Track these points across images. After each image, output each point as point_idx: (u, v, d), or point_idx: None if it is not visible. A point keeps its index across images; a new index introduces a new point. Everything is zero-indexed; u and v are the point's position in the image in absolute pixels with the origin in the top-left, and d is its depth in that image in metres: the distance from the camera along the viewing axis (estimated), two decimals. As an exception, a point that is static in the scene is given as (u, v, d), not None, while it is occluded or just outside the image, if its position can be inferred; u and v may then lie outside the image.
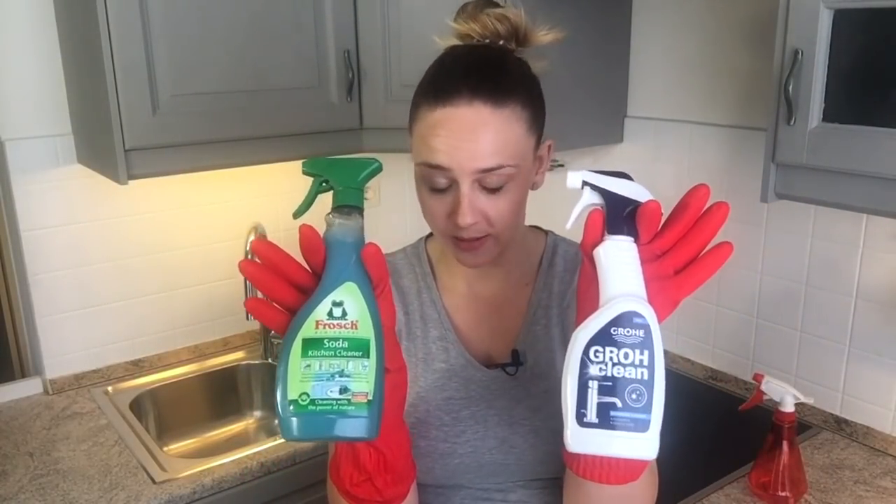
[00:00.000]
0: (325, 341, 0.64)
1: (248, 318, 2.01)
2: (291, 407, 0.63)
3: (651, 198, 0.66)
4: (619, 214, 0.66)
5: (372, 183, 0.71)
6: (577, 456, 0.67)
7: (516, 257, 0.98)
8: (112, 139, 1.51)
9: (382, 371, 0.65)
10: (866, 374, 1.63)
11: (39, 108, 1.76)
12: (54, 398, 1.87)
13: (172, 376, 1.98)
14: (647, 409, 0.63)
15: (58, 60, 1.76)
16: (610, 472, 0.67)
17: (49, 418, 1.77)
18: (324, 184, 0.69)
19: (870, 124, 1.18)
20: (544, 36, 0.91)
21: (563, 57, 1.82)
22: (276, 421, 0.65)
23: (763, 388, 1.45)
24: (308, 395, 0.63)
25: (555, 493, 0.92)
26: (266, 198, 2.10)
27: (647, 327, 0.63)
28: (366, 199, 0.70)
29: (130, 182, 1.55)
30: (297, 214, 0.70)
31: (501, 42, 0.90)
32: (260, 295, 0.69)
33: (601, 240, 0.66)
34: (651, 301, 0.64)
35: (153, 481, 1.51)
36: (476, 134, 0.82)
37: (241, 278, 1.92)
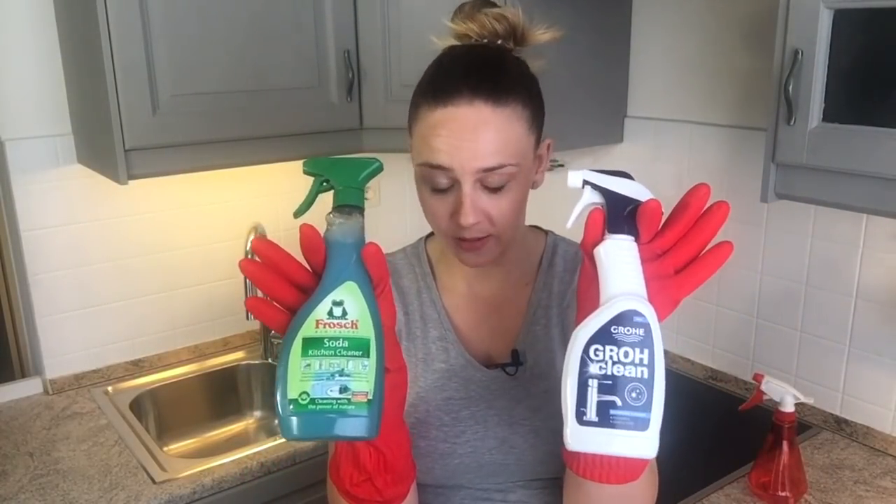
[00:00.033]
0: (326, 340, 0.64)
1: (248, 318, 2.01)
2: (291, 406, 0.63)
3: (652, 197, 0.66)
4: (620, 214, 0.66)
5: (372, 183, 0.71)
6: (576, 455, 0.67)
7: (516, 257, 0.98)
8: (112, 139, 1.51)
9: (382, 370, 0.65)
10: (866, 374, 1.63)
11: (39, 108, 1.76)
12: (54, 398, 1.87)
13: (172, 376, 1.98)
14: (647, 407, 0.63)
15: (58, 60, 1.76)
16: (610, 471, 0.67)
17: (49, 418, 1.77)
18: (324, 183, 0.69)
19: (870, 124, 1.18)
20: (542, 35, 0.91)
21: (563, 57, 1.82)
22: (276, 420, 0.65)
23: (763, 388, 1.45)
24: (308, 395, 0.63)
25: (555, 493, 0.92)
26: (266, 198, 2.10)
27: (647, 326, 0.63)
28: (366, 199, 0.70)
29: (130, 182, 1.55)
30: (297, 214, 0.70)
31: (499, 41, 0.90)
32: (260, 294, 0.69)
33: (602, 239, 0.66)
34: (651, 300, 0.64)
35: (153, 481, 1.51)
36: (477, 133, 0.82)
37: (242, 278, 1.92)
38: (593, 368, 0.63)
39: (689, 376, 1.98)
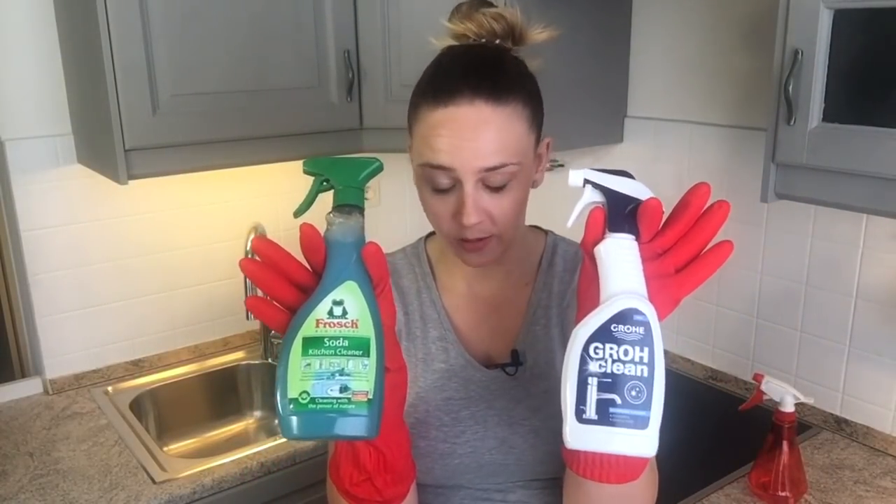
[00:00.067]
0: (326, 340, 0.64)
1: (248, 318, 2.01)
2: (291, 405, 0.63)
3: (652, 196, 0.66)
4: (621, 212, 0.66)
5: (372, 183, 0.71)
6: (576, 455, 0.67)
7: (516, 257, 0.98)
8: (112, 139, 1.51)
9: (383, 370, 0.65)
10: (866, 374, 1.63)
11: (39, 108, 1.76)
12: (54, 398, 1.87)
13: (172, 376, 1.98)
14: (647, 406, 0.62)
15: (58, 60, 1.76)
16: (610, 471, 0.67)
17: (49, 418, 1.77)
18: (324, 183, 0.69)
19: (870, 124, 1.18)
20: (539, 34, 0.91)
21: (563, 57, 1.82)
22: (277, 420, 0.65)
23: (763, 388, 1.45)
24: (308, 394, 0.63)
25: (555, 493, 0.92)
26: (266, 198, 2.10)
27: (647, 324, 0.63)
28: (366, 198, 0.70)
29: (130, 182, 1.55)
30: (297, 213, 0.70)
31: (498, 41, 0.90)
32: (260, 294, 0.69)
33: (602, 238, 0.66)
34: (652, 299, 0.64)
35: (153, 481, 1.51)
36: (478, 133, 0.82)
37: (242, 278, 1.92)
38: (593, 366, 0.63)
39: (689, 376, 1.98)
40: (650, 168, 1.97)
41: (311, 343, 0.64)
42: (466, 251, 0.89)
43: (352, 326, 0.64)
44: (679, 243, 0.67)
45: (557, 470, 0.91)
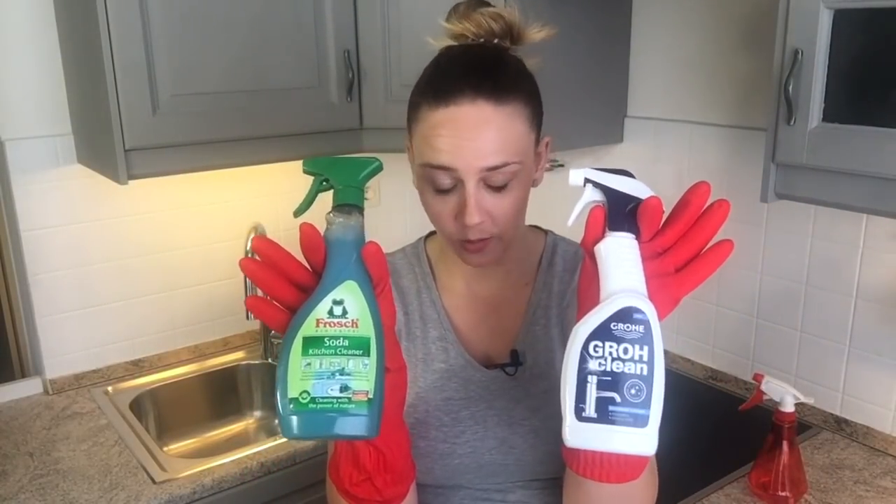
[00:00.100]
0: (326, 339, 0.64)
1: (248, 318, 2.01)
2: (292, 405, 0.63)
3: (652, 194, 0.66)
4: (621, 211, 0.66)
5: (372, 183, 0.71)
6: (576, 454, 0.67)
7: (516, 257, 0.98)
8: (112, 139, 1.51)
9: (383, 369, 0.65)
10: (866, 374, 1.63)
11: (39, 108, 1.76)
12: (54, 398, 1.87)
13: (172, 376, 1.98)
14: (647, 404, 0.62)
15: (58, 60, 1.76)
16: (610, 470, 0.67)
17: (49, 418, 1.77)
18: (324, 182, 0.69)
19: (870, 124, 1.18)
20: (537, 33, 0.91)
21: (564, 57, 1.82)
22: (277, 420, 0.65)
23: (763, 388, 1.45)
24: (308, 394, 0.63)
25: (554, 493, 0.92)
26: (266, 198, 2.10)
27: (646, 323, 0.63)
28: (366, 198, 0.70)
29: (130, 182, 1.55)
30: (297, 213, 0.70)
31: (496, 40, 0.90)
32: (260, 293, 0.69)
33: (602, 236, 0.66)
34: (652, 298, 0.64)
35: (153, 481, 1.51)
36: (480, 132, 0.82)
37: (242, 278, 1.92)
38: (593, 365, 0.63)
39: (689, 376, 1.98)
40: (650, 168, 1.97)
41: (312, 343, 0.64)
42: (468, 252, 0.89)
43: (352, 326, 0.64)
44: (679, 242, 0.67)
45: (557, 470, 0.91)
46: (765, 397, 1.46)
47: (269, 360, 2.06)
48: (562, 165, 2.05)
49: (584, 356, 0.63)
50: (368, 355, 0.64)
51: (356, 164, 0.70)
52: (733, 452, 1.56)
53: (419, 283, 1.00)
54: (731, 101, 1.79)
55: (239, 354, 2.09)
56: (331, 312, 0.64)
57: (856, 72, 1.21)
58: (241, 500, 1.58)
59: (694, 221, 0.67)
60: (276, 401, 0.64)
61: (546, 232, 1.04)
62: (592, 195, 0.68)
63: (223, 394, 2.04)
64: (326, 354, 0.64)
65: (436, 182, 0.86)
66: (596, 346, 0.63)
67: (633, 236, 0.66)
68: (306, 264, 0.68)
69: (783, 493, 1.41)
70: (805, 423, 1.69)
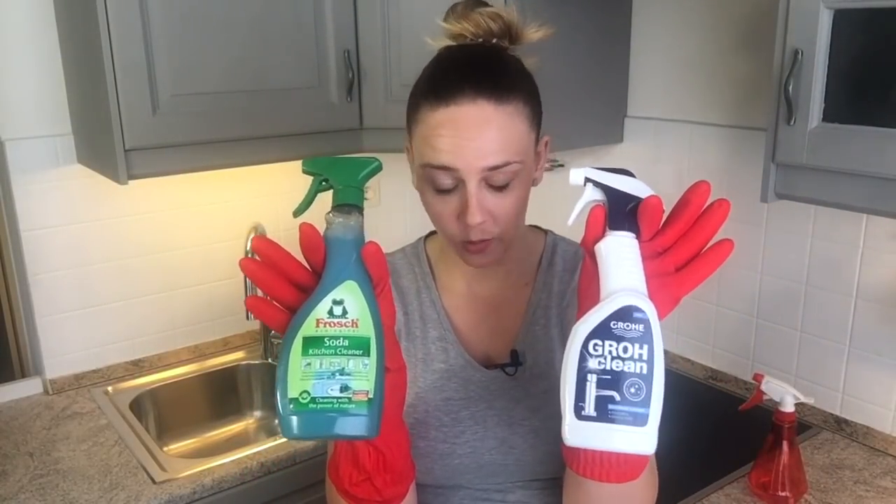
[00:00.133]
0: (326, 340, 0.64)
1: (248, 318, 2.01)
2: (292, 405, 0.63)
3: (653, 194, 0.66)
4: (621, 211, 0.66)
5: (372, 183, 0.71)
6: (576, 454, 0.67)
7: (516, 257, 0.98)
8: (112, 139, 1.51)
9: (383, 369, 0.65)
10: (866, 374, 1.63)
11: (39, 108, 1.76)
12: (54, 398, 1.87)
13: (172, 376, 1.98)
14: (646, 403, 0.62)
15: (58, 60, 1.76)
16: (610, 470, 0.67)
17: (49, 418, 1.77)
18: (323, 182, 0.69)
19: (870, 124, 1.18)
20: (535, 33, 0.91)
21: (563, 57, 1.82)
22: (277, 420, 0.65)
23: (763, 388, 1.45)
24: (309, 394, 0.63)
25: (554, 493, 0.92)
26: (266, 198, 2.10)
27: (646, 322, 0.63)
28: (366, 198, 0.70)
29: (130, 182, 1.55)
30: (296, 213, 0.70)
31: (495, 40, 0.90)
32: (260, 293, 0.69)
33: (603, 235, 0.66)
34: (652, 297, 0.64)
35: (153, 481, 1.51)
36: (482, 131, 0.82)
37: (242, 278, 1.92)
38: (592, 363, 0.63)
39: (689, 376, 1.98)
40: (650, 168, 1.97)
41: (312, 343, 0.64)
42: (469, 253, 0.89)
43: (352, 326, 0.64)
44: (679, 242, 0.67)
45: (557, 470, 0.91)
46: (765, 397, 1.46)
47: (269, 360, 2.06)
48: (562, 165, 2.05)
49: (584, 355, 0.63)
50: (368, 355, 0.64)
51: (355, 164, 0.70)
52: (733, 452, 1.56)
53: (419, 282, 1.00)
54: (731, 101, 1.79)
55: (239, 354, 2.10)
56: (331, 312, 0.64)
57: (856, 72, 1.21)
58: (241, 500, 1.58)
59: (694, 221, 0.67)
60: (276, 401, 0.64)
61: (546, 232, 1.04)
62: (593, 194, 0.68)
63: (223, 394, 2.04)
64: (326, 354, 0.64)
65: (436, 182, 0.85)
66: (596, 344, 0.63)
67: (634, 235, 0.66)
68: (306, 264, 0.68)
69: (783, 493, 1.41)
70: (805, 423, 1.69)
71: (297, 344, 0.64)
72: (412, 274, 1.01)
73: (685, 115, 1.89)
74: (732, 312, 1.88)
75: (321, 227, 0.67)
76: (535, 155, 0.90)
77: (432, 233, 1.04)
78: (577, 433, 0.63)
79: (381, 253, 0.67)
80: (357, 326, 0.64)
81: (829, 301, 1.66)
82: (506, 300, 0.99)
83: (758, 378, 1.46)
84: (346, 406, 0.63)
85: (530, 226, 1.02)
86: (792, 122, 1.26)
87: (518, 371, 0.95)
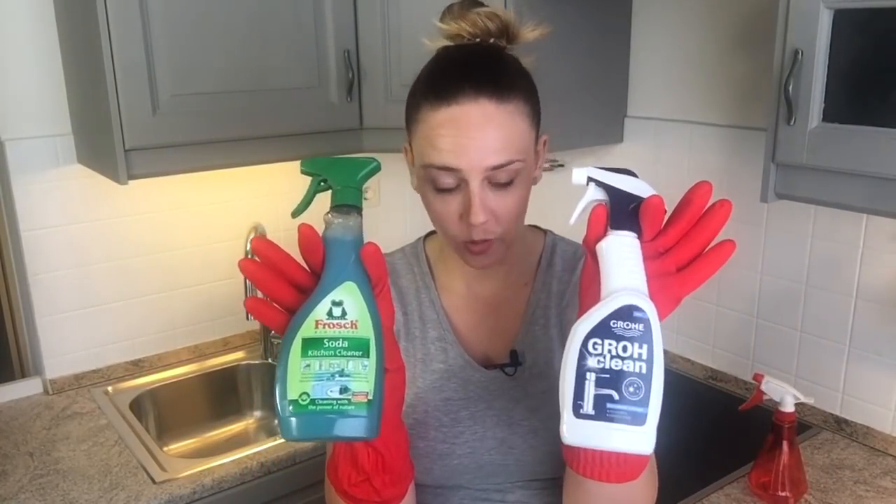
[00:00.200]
0: (325, 341, 0.64)
1: (248, 318, 2.01)
2: (291, 407, 0.63)
3: (654, 193, 0.66)
4: (623, 210, 0.66)
5: (371, 183, 0.71)
6: (577, 453, 0.67)
7: (516, 256, 0.98)
8: (112, 139, 1.51)
9: (382, 371, 0.65)
10: (866, 374, 1.62)
11: (39, 108, 1.76)
12: (54, 398, 1.87)
13: (172, 376, 1.98)
14: (645, 402, 0.62)
15: (58, 60, 1.76)
16: (610, 469, 0.67)
17: (49, 418, 1.77)
18: (322, 183, 0.69)
19: (870, 124, 1.18)
20: (532, 32, 0.91)
21: (563, 57, 1.82)
22: (276, 421, 0.65)
23: (763, 388, 1.45)
24: (308, 395, 0.63)
25: (554, 493, 0.92)
26: (266, 198, 2.10)
27: (646, 321, 0.63)
28: (365, 198, 0.70)
29: (130, 182, 1.55)
30: (295, 214, 0.70)
31: (492, 40, 0.90)
32: (260, 294, 0.69)
33: (604, 235, 0.66)
34: (653, 298, 0.64)
35: (153, 481, 1.51)
36: (484, 131, 0.82)
37: (242, 278, 1.92)
38: (591, 362, 0.63)
39: (689, 376, 1.98)
40: (650, 168, 1.97)
41: (311, 344, 0.64)
42: (471, 254, 0.89)
43: (351, 327, 0.64)
44: (681, 242, 0.67)
45: (557, 470, 0.91)
46: (765, 397, 1.46)
47: (269, 360, 2.06)
48: (562, 165, 2.05)
49: (584, 353, 0.63)
50: (368, 356, 0.64)
51: (354, 165, 0.70)
52: (733, 452, 1.56)
53: (418, 283, 1.00)
54: (731, 101, 1.79)
55: (239, 354, 2.10)
56: (330, 314, 0.64)
57: (856, 72, 1.21)
58: (241, 500, 1.58)
59: (696, 221, 0.67)
60: (276, 402, 0.63)
61: (545, 232, 1.04)
62: (595, 194, 0.68)
63: (223, 394, 2.04)
64: (326, 356, 0.64)
65: (438, 182, 0.85)
66: (595, 343, 0.63)
67: (636, 235, 0.66)
68: (305, 265, 0.68)
69: (783, 493, 1.41)
70: (805, 423, 1.69)
71: (297, 345, 0.64)
72: (411, 274, 1.01)
73: (685, 115, 1.89)
74: (732, 312, 1.88)
75: (320, 228, 0.67)
76: (534, 154, 0.90)
77: (431, 233, 1.04)
78: (576, 431, 0.63)
79: (380, 253, 0.67)
80: (356, 328, 0.64)
81: (829, 301, 1.66)
82: (505, 300, 0.99)
83: (758, 378, 1.46)
84: (345, 407, 0.63)
85: (529, 226, 1.02)
86: (792, 122, 1.26)
87: (517, 371, 0.95)
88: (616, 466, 0.67)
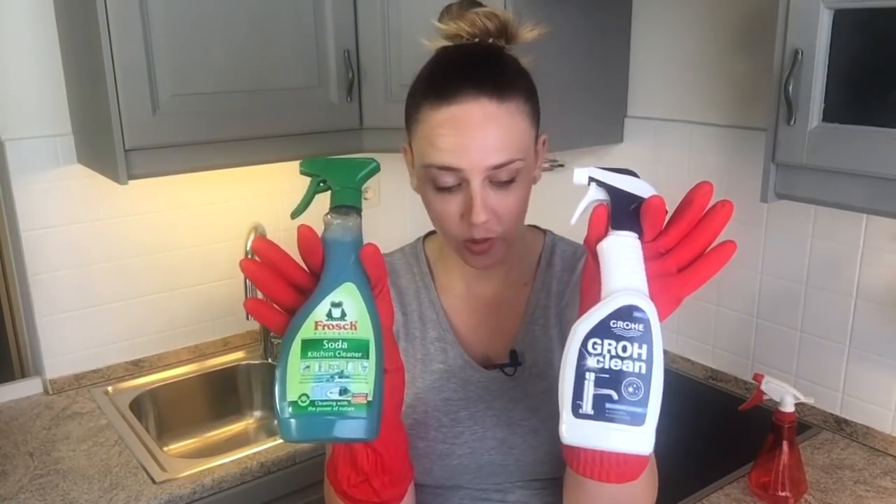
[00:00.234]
0: (325, 342, 0.64)
1: (248, 318, 1.99)
2: (291, 408, 0.63)
3: (655, 194, 0.66)
4: (624, 211, 0.66)
5: (371, 183, 0.71)
6: (577, 453, 0.67)
7: (516, 256, 0.98)
8: (112, 139, 1.51)
9: (382, 372, 0.65)
10: (866, 374, 1.62)
11: (39, 108, 1.76)
12: (54, 398, 1.87)
13: (172, 376, 1.98)
14: (644, 402, 0.62)
15: (58, 60, 1.76)
16: (610, 470, 0.67)
17: (49, 418, 1.77)
18: (321, 184, 0.69)
19: (870, 124, 1.18)
20: (530, 32, 0.91)
21: (564, 57, 1.82)
22: (276, 422, 0.65)
23: (763, 388, 1.45)
24: (308, 397, 0.63)
25: (554, 493, 0.92)
26: (266, 198, 2.10)
27: (646, 322, 0.63)
28: (364, 199, 0.70)
29: (130, 182, 1.55)
30: (294, 214, 0.70)
31: (491, 40, 0.90)
32: (260, 295, 0.69)
33: (605, 235, 0.66)
34: (653, 298, 0.64)
35: (153, 481, 1.51)
36: (485, 130, 0.82)
37: (242, 278, 1.92)
38: (591, 362, 0.63)
39: (689, 376, 1.98)
40: (650, 168, 1.97)
41: (310, 345, 0.64)
42: (472, 254, 0.89)
43: (351, 328, 0.64)
44: (682, 242, 0.67)
45: (557, 470, 0.91)
46: (765, 397, 1.46)
47: (269, 361, 2.06)
48: (562, 165, 2.05)
49: (583, 353, 0.63)
50: (367, 358, 0.64)
51: (353, 165, 0.70)
52: (733, 452, 1.56)
53: (418, 283, 1.00)
54: (731, 101, 1.79)
55: (239, 354, 2.10)
56: (329, 315, 0.64)
57: (856, 72, 1.20)
58: (241, 500, 1.58)
59: (697, 222, 0.67)
60: (275, 404, 0.63)
61: (545, 232, 1.04)
62: (596, 194, 0.68)
63: (223, 394, 2.04)
64: (325, 357, 0.63)
65: (439, 182, 0.85)
66: (595, 343, 0.63)
67: (636, 235, 0.66)
68: (305, 266, 0.68)
69: (783, 493, 1.41)
70: (805, 423, 1.69)
71: (296, 346, 0.64)
72: (411, 274, 1.01)
73: (685, 115, 1.89)
74: (732, 312, 1.88)
75: (320, 229, 0.67)
76: (534, 153, 0.90)
77: (431, 233, 1.04)
78: (575, 431, 0.63)
79: (380, 254, 0.67)
80: (356, 329, 0.64)
81: (829, 301, 1.66)
82: (505, 300, 0.99)
83: (758, 378, 1.46)
84: (345, 409, 0.63)
85: (529, 226, 1.02)
86: (792, 122, 1.26)
87: (517, 371, 0.95)
88: (616, 466, 0.67)
